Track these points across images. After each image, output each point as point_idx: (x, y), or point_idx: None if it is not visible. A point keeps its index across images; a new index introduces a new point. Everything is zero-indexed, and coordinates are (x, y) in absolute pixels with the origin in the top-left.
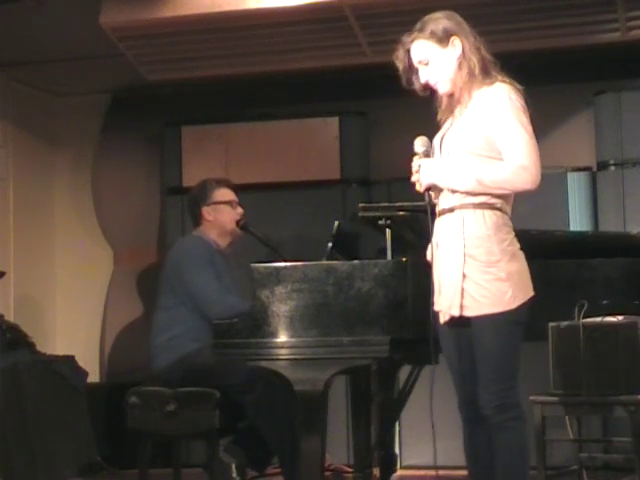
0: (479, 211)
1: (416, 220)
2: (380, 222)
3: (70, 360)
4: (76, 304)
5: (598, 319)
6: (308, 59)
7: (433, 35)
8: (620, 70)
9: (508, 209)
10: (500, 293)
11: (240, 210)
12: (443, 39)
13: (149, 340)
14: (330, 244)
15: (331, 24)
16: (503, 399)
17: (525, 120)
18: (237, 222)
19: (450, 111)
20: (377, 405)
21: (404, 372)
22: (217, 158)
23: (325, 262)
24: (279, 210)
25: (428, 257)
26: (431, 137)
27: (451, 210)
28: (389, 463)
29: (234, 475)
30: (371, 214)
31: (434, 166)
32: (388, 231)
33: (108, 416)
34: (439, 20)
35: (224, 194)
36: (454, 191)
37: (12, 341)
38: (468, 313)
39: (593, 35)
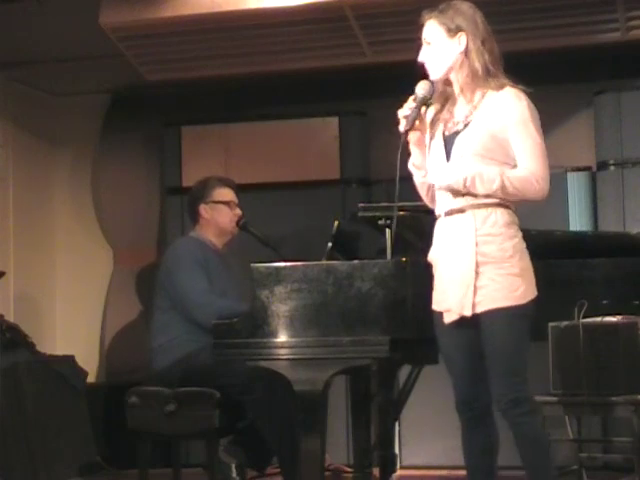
0: (491, 209)
1: (416, 220)
2: (380, 222)
3: (70, 360)
4: (76, 304)
5: (598, 319)
6: (308, 59)
7: (446, 22)
8: (620, 70)
9: (514, 207)
10: (513, 287)
11: (238, 212)
12: (452, 30)
13: (148, 342)
14: (330, 244)
15: (331, 24)
16: (517, 392)
17: (540, 130)
18: (237, 222)
19: (442, 101)
20: (377, 405)
21: (404, 372)
22: (217, 158)
23: (325, 262)
24: (279, 210)
25: (430, 257)
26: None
27: (461, 210)
28: (389, 463)
29: (234, 475)
30: (371, 214)
31: (456, 173)
32: (388, 231)
33: (108, 416)
34: (458, 11)
35: (224, 194)
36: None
37: (12, 341)
38: (480, 309)
39: (593, 35)
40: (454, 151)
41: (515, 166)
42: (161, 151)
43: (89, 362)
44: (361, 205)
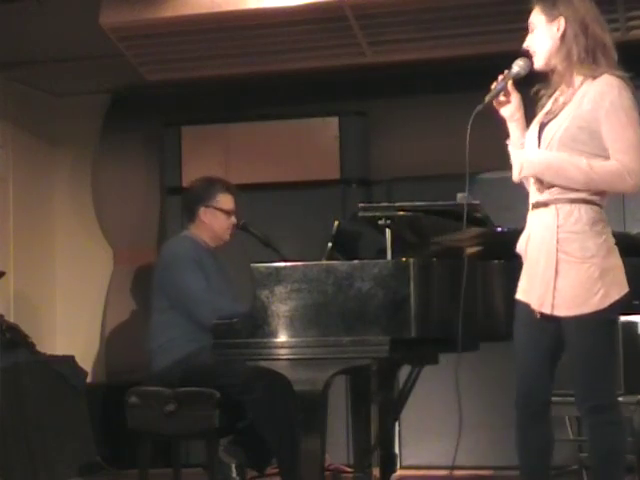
0: (575, 205)
1: (416, 220)
2: (380, 222)
3: (70, 360)
4: (76, 304)
5: None
6: (308, 59)
7: (546, 7)
8: (620, 70)
9: (604, 203)
10: (591, 292)
11: (234, 220)
12: (551, 14)
13: (147, 342)
14: (330, 244)
15: (331, 24)
16: (596, 400)
17: (634, 119)
18: (237, 222)
19: (550, 93)
20: (377, 405)
21: (404, 372)
22: (217, 158)
23: (325, 262)
24: (279, 210)
25: (517, 249)
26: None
27: (545, 204)
28: (389, 463)
29: (234, 475)
30: (371, 214)
31: (540, 160)
32: (388, 231)
33: (108, 416)
34: None
35: (227, 202)
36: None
37: (12, 341)
38: (559, 313)
39: None
40: (543, 139)
41: (608, 158)
42: (161, 151)
43: (89, 362)
44: (361, 205)
